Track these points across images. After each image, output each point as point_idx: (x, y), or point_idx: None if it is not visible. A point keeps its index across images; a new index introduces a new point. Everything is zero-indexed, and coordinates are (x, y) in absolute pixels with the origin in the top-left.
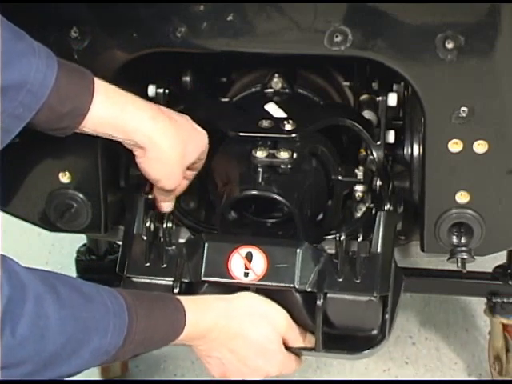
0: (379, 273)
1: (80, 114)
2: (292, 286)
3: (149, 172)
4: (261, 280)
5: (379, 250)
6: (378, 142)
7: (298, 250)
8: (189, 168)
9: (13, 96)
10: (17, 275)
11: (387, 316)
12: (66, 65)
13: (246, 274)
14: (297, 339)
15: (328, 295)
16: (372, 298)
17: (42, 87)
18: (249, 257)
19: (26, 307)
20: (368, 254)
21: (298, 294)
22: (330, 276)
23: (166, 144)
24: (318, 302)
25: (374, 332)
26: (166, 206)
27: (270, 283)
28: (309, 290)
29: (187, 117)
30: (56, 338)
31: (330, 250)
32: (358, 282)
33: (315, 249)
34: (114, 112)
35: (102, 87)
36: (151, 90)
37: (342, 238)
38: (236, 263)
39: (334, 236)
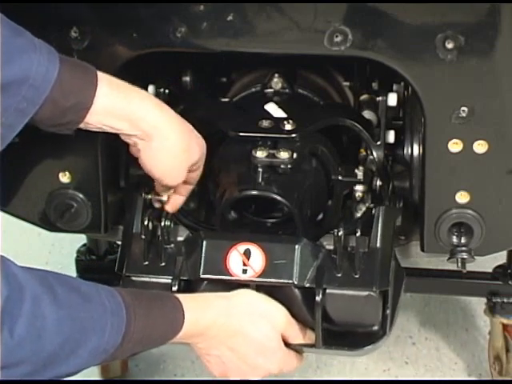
0: (378, 268)
1: (84, 107)
2: (291, 282)
3: (152, 167)
4: (259, 277)
5: (378, 244)
6: (378, 142)
7: (297, 246)
8: (185, 182)
9: (15, 91)
10: (15, 276)
11: (388, 311)
12: (68, 60)
13: (245, 271)
14: (297, 336)
15: (327, 291)
16: (371, 293)
17: (45, 82)
18: (247, 253)
19: (24, 308)
20: (367, 249)
21: (297, 290)
22: (328, 271)
23: (172, 135)
24: (317, 298)
25: (375, 328)
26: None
27: (268, 280)
28: (307, 285)
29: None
30: (53, 338)
31: (329, 245)
32: (357, 277)
33: (314, 245)
34: (119, 103)
35: (105, 80)
36: (151, 90)
37: (341, 233)
38: (234, 260)
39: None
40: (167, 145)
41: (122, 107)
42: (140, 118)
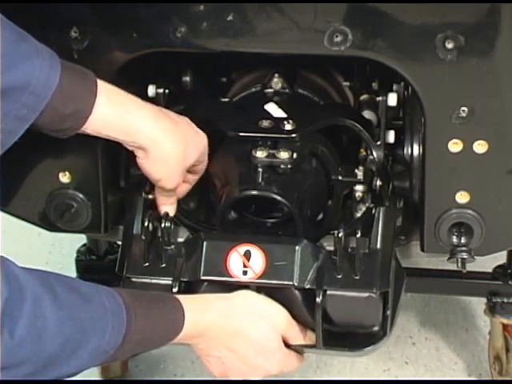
0: (379, 269)
1: (83, 116)
2: (291, 283)
3: (150, 172)
4: (259, 278)
5: (379, 245)
6: (378, 142)
7: (297, 248)
8: (190, 171)
9: (16, 97)
10: (15, 277)
11: (388, 312)
12: (68, 66)
13: (245, 273)
14: (297, 337)
15: (327, 292)
16: (372, 294)
17: (45, 88)
18: (247, 255)
19: (24, 308)
20: (367, 250)
21: (297, 292)
22: (329, 273)
23: (167, 145)
24: (317, 299)
25: (375, 329)
26: (168, 210)
27: (268, 281)
28: (308, 287)
29: (187, 118)
30: (54, 338)
31: (329, 246)
32: (358, 278)
33: (314, 246)
34: (116, 113)
35: (104, 88)
36: (151, 90)
37: (341, 234)
38: (234, 261)
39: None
40: (163, 155)
41: (120, 118)
42: (136, 130)
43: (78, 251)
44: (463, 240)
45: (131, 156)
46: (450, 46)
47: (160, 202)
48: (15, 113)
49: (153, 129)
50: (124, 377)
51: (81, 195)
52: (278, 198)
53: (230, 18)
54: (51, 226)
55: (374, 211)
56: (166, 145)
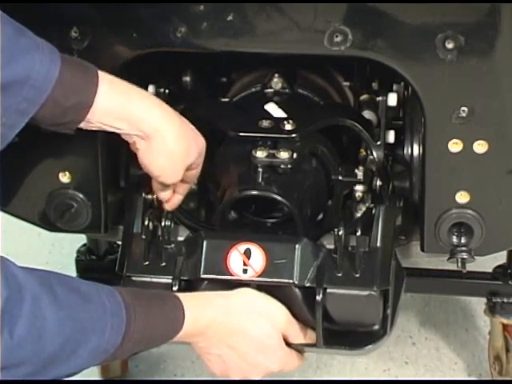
0: (379, 267)
1: (85, 106)
2: (291, 281)
3: (150, 165)
4: (260, 276)
5: (379, 244)
6: (378, 142)
7: (297, 246)
8: (183, 178)
9: (17, 91)
10: (14, 277)
11: (388, 311)
12: (69, 60)
13: (245, 271)
14: (297, 335)
15: (327, 290)
16: (372, 292)
17: (46, 81)
18: (247, 253)
19: (24, 308)
20: (367, 249)
21: (297, 290)
22: (329, 271)
23: (171, 137)
24: (317, 298)
25: (376, 327)
26: (164, 195)
27: (269, 279)
28: (308, 285)
29: (187, 121)
30: (54, 338)
31: (329, 245)
32: (358, 276)
33: (314, 244)
34: (119, 102)
35: (106, 79)
36: (151, 89)
37: (341, 232)
38: (235, 260)
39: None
40: (166, 146)
41: (122, 106)
42: (140, 118)
43: (78, 251)
44: (463, 240)
45: (131, 156)
46: (450, 46)
47: (156, 190)
48: (16, 106)
49: (156, 118)
50: (124, 377)
51: (81, 195)
52: (278, 197)
53: (230, 18)
54: (51, 226)
55: (374, 211)
56: (169, 135)
